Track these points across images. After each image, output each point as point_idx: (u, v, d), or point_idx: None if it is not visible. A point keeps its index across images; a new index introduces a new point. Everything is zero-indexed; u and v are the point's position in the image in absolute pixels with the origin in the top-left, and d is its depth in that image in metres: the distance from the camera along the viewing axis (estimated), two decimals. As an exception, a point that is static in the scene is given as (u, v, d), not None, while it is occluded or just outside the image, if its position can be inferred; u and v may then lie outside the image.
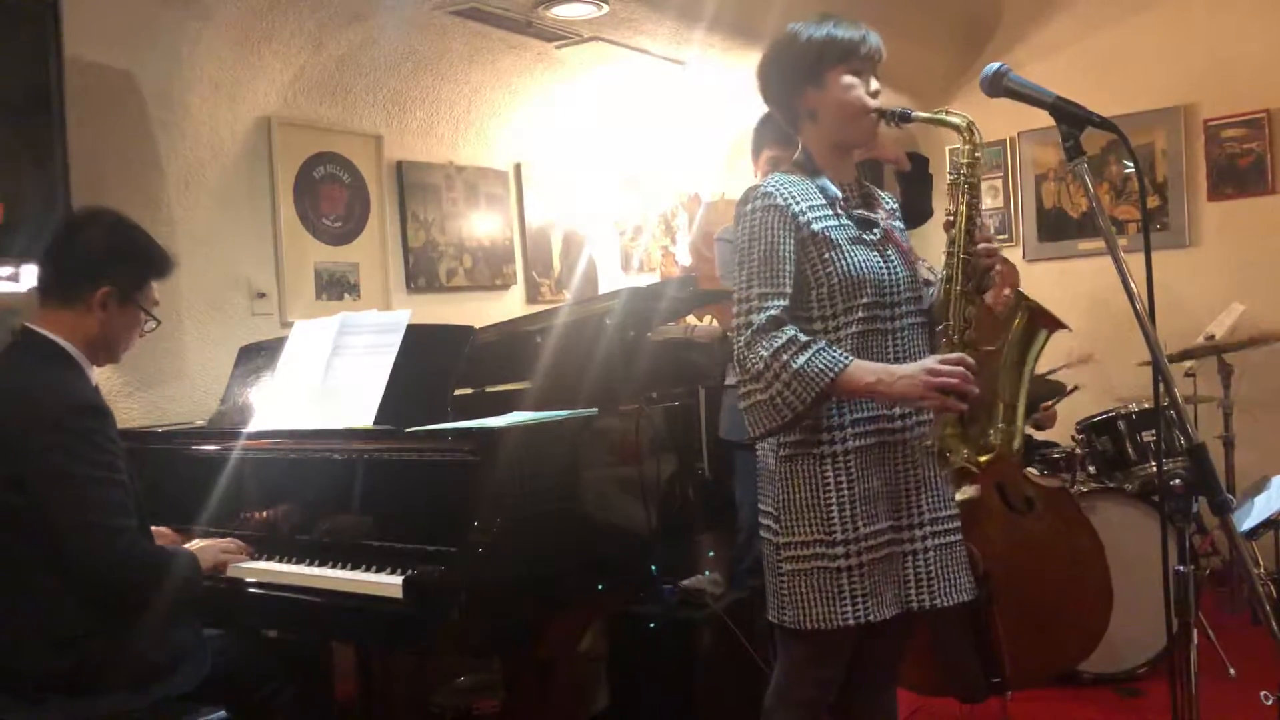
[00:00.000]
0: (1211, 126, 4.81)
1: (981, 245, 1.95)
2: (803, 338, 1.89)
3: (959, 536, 2.07)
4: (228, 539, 2.43)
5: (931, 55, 5.13)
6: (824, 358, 1.86)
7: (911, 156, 2.69)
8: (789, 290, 1.93)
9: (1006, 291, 2.05)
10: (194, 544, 2.35)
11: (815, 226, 1.95)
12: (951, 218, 1.97)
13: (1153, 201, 4.93)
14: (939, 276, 2.00)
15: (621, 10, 3.77)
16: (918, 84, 5.28)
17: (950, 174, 2.00)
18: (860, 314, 1.95)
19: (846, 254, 1.95)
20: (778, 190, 1.96)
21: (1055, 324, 1.93)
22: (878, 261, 1.98)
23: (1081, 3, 5.08)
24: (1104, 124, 1.70)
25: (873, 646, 2.10)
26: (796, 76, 2.01)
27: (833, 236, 1.96)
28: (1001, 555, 2.86)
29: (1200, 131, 4.84)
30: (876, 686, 2.18)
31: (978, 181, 1.97)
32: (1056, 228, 5.27)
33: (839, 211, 2.00)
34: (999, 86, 1.76)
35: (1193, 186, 4.89)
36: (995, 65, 1.76)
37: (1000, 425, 1.90)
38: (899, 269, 2.00)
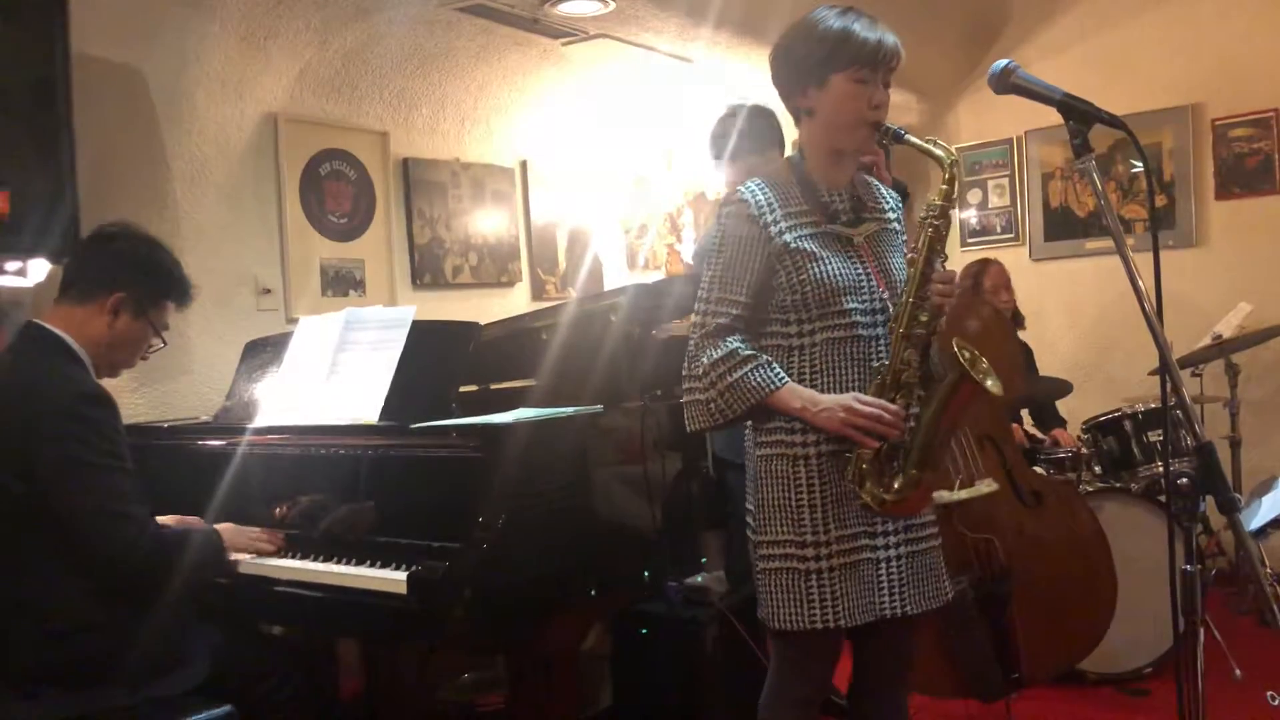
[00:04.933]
0: (1219, 126, 4.79)
1: (936, 288, 1.92)
2: (744, 351, 1.94)
3: (934, 544, 2.05)
4: (259, 529, 2.41)
5: (939, 53, 5.12)
6: (758, 376, 1.92)
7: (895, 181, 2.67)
8: (745, 300, 1.96)
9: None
10: (222, 525, 2.35)
11: (788, 237, 1.95)
12: (912, 255, 1.95)
13: (1160, 201, 4.91)
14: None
15: (628, 7, 3.76)
16: (925, 82, 5.27)
17: (921, 213, 1.96)
18: (839, 320, 1.95)
19: (822, 263, 1.94)
20: (754, 199, 1.96)
21: (980, 391, 1.92)
22: (857, 269, 1.97)
23: (1089, 1, 5.07)
24: (1113, 121, 1.68)
25: (873, 650, 2.10)
26: (802, 71, 1.98)
27: (807, 247, 1.95)
28: (1014, 549, 2.86)
29: (1208, 130, 4.82)
30: (885, 689, 2.15)
31: (946, 224, 1.94)
32: (1063, 227, 5.25)
33: (818, 219, 1.98)
34: (1007, 83, 1.75)
35: (1200, 186, 4.87)
36: (1003, 62, 1.75)
37: (912, 471, 1.91)
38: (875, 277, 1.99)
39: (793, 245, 1.94)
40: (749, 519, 2.04)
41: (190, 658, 2.14)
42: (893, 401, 1.92)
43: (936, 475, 1.97)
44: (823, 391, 1.95)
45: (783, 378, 1.94)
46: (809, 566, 1.94)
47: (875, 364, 1.96)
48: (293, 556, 2.34)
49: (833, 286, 1.94)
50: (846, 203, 2.04)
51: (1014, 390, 3.20)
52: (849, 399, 1.91)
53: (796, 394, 1.93)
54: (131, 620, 2.05)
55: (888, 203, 2.13)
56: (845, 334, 1.96)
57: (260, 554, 2.36)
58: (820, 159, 2.03)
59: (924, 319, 1.92)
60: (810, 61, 1.96)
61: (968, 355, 1.88)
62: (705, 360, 1.96)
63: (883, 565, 1.97)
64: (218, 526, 2.34)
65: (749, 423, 2.04)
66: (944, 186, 1.93)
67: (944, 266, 1.95)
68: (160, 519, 2.28)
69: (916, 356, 1.93)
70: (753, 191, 1.98)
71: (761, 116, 2.96)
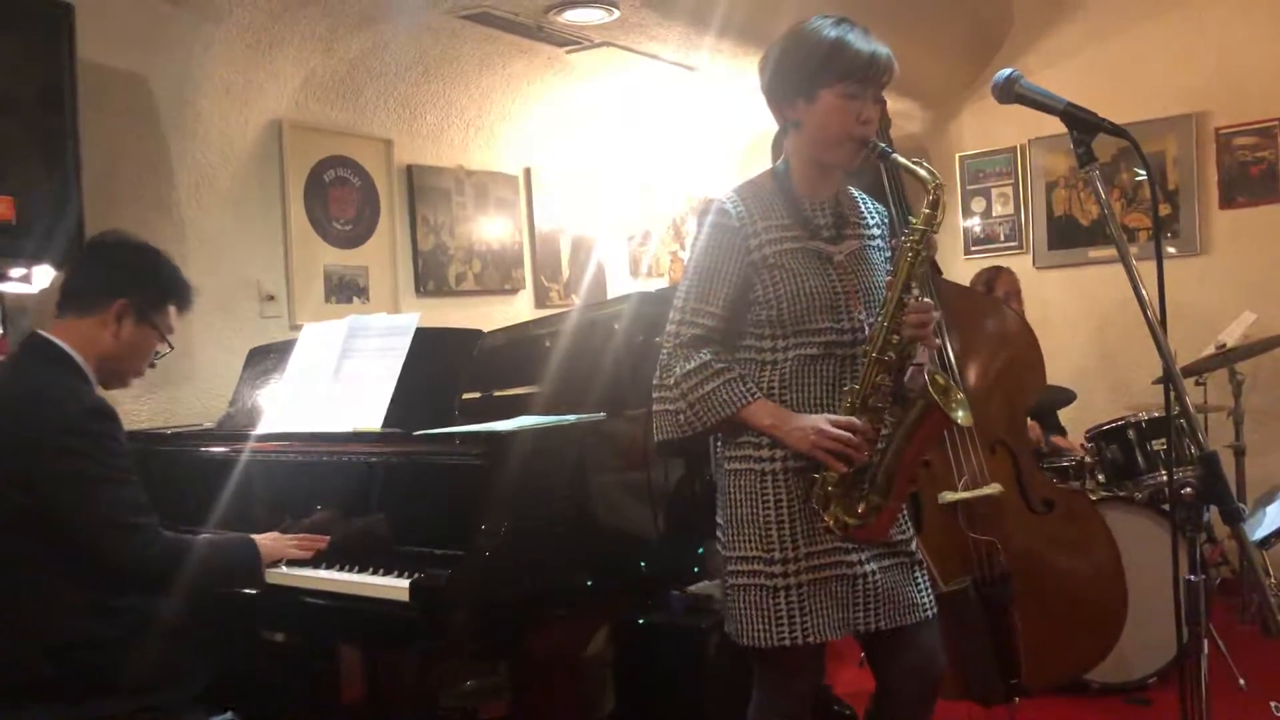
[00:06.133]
0: (1223, 134, 4.80)
1: (913, 317, 1.89)
2: (717, 364, 1.92)
3: (910, 559, 2.03)
4: (296, 536, 2.34)
5: (942, 62, 5.12)
6: (730, 390, 1.90)
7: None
8: (719, 312, 1.95)
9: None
10: (262, 537, 2.30)
11: (768, 250, 1.93)
12: (890, 279, 1.92)
13: (1164, 209, 4.91)
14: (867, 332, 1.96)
15: (632, 16, 3.77)
16: (929, 91, 5.28)
17: (902, 234, 1.93)
18: (813, 338, 1.94)
19: (800, 280, 1.92)
20: (735, 209, 1.94)
21: (948, 423, 1.91)
22: (835, 288, 1.94)
23: (1093, 10, 5.07)
24: (1116, 130, 1.69)
25: (888, 669, 2.07)
26: (791, 83, 1.94)
27: (785, 262, 1.93)
28: (1020, 554, 2.85)
29: (1212, 139, 4.83)
30: (906, 710, 2.11)
31: (926, 248, 1.90)
32: (1067, 235, 5.25)
33: (799, 234, 1.95)
34: (1010, 92, 1.75)
35: (1204, 194, 4.87)
36: (1007, 71, 1.76)
37: (874, 496, 1.90)
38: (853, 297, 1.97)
39: (772, 260, 1.93)
40: (718, 534, 2.03)
41: (190, 666, 2.13)
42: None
43: (901, 503, 1.96)
44: (791, 408, 1.93)
45: (754, 393, 1.92)
46: (776, 583, 1.91)
47: (846, 386, 1.95)
48: (295, 564, 2.34)
49: (808, 304, 1.92)
50: (829, 217, 2.01)
51: (1035, 392, 3.21)
52: (820, 420, 1.89)
53: (767, 410, 1.91)
54: (132, 634, 2.04)
55: (872, 218, 2.09)
56: (818, 352, 1.94)
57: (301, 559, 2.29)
58: (805, 171, 2.00)
59: (897, 343, 1.90)
60: (801, 73, 1.92)
61: (940, 383, 1.88)
62: (677, 371, 1.93)
63: (859, 581, 1.94)
64: (258, 538, 2.28)
65: (718, 437, 2.03)
66: (927, 210, 1.89)
67: (920, 296, 1.91)
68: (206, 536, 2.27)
69: (889, 381, 1.92)
70: (734, 201, 1.96)
71: None
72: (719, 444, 2.04)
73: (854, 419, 1.89)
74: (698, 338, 1.94)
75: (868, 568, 1.95)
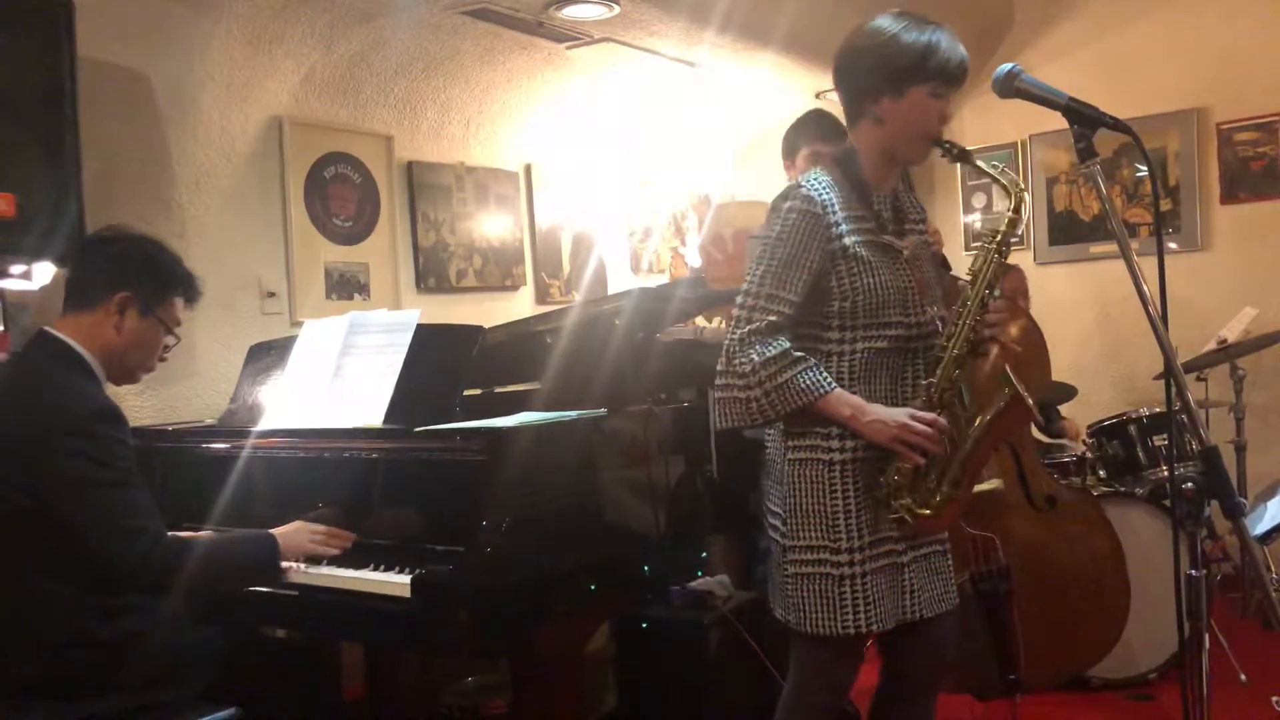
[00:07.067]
0: (1224, 130, 4.79)
1: (991, 316, 1.95)
2: (795, 353, 1.91)
3: (944, 548, 2.08)
4: (323, 528, 2.29)
5: (943, 57, 5.11)
6: (808, 378, 1.90)
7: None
8: (797, 300, 1.93)
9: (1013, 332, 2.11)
10: (286, 528, 2.25)
11: (848, 240, 1.94)
12: (973, 277, 1.97)
13: (1165, 205, 4.91)
14: (943, 331, 1.99)
15: (632, 11, 3.77)
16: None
17: (986, 236, 1.99)
18: (883, 331, 1.96)
19: (876, 273, 1.94)
20: (820, 197, 1.94)
21: (1029, 417, 1.96)
22: (905, 282, 1.97)
23: (1094, 5, 5.06)
24: (1117, 125, 1.69)
25: (908, 656, 2.10)
26: (878, 78, 1.95)
27: (863, 254, 1.94)
28: (1021, 551, 2.85)
29: (1213, 135, 4.82)
30: (916, 697, 2.15)
31: (1008, 253, 1.97)
32: (1068, 231, 5.25)
33: (874, 226, 1.98)
34: (1011, 87, 1.76)
35: (1205, 190, 4.87)
36: (1008, 66, 1.76)
37: (946, 489, 1.93)
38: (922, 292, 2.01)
39: (850, 250, 1.94)
40: (777, 523, 2.04)
41: (193, 664, 2.13)
42: None
43: (969, 494, 1.99)
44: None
45: (831, 383, 1.92)
46: (843, 572, 1.93)
47: (908, 378, 1.98)
48: (296, 560, 2.34)
49: (883, 298, 1.94)
50: (890, 211, 2.04)
51: (1040, 390, 3.21)
52: (902, 413, 1.91)
53: (845, 401, 1.92)
54: (134, 633, 2.04)
55: (920, 213, 2.13)
56: (887, 345, 1.97)
57: (324, 557, 2.24)
58: (874, 163, 2.02)
59: (974, 340, 1.94)
60: (891, 69, 1.93)
61: (1018, 381, 1.91)
62: (755, 358, 1.90)
63: (905, 569, 1.99)
64: (281, 530, 2.23)
65: (773, 429, 2.04)
66: (1011, 215, 1.95)
67: (997, 296, 1.98)
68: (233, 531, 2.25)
69: (963, 378, 1.95)
70: (817, 190, 1.95)
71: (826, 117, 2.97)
72: (779, 435, 2.04)
73: (937, 415, 1.91)
74: (774, 325, 1.92)
75: (909, 555, 2.00)
